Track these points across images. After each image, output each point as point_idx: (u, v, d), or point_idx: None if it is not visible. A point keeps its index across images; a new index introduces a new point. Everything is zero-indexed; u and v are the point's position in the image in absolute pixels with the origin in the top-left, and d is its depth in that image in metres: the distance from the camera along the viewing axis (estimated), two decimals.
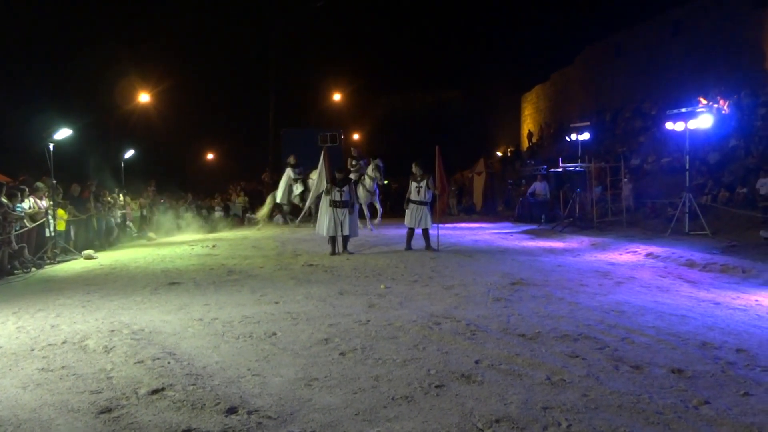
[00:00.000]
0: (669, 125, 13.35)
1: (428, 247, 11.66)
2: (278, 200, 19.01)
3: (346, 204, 11.38)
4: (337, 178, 11.56)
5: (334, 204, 11.37)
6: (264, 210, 19.64)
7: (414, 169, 11.69)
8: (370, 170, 16.74)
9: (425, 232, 11.74)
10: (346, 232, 11.38)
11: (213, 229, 19.95)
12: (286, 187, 18.73)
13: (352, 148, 19.80)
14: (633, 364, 4.17)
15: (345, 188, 11.47)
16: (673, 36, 25.57)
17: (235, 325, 5.65)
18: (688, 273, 8.33)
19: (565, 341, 4.79)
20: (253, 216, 23.69)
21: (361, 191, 15.94)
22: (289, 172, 18.71)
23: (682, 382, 3.84)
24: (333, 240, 11.43)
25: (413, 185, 11.69)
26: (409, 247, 11.75)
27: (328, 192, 11.62)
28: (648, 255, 10.01)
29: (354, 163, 17.43)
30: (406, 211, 11.78)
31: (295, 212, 19.48)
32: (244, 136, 39.44)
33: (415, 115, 43.82)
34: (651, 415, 3.31)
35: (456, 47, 46.49)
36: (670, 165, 17.47)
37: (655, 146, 19.91)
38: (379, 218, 17.58)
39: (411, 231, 11.84)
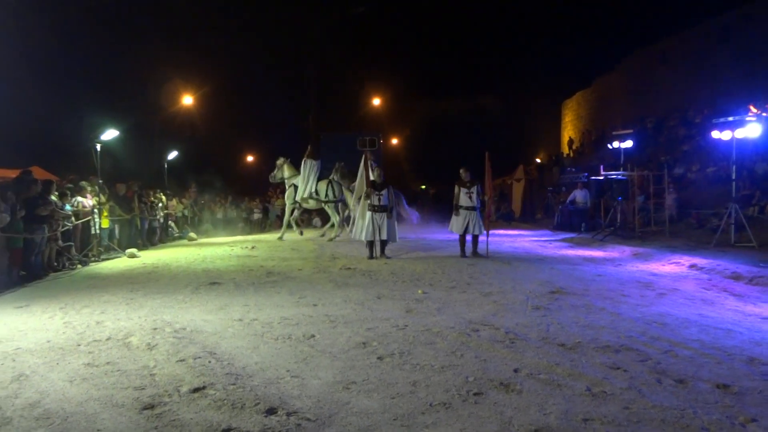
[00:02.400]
0: (715, 134, 13.01)
1: (475, 252, 11.56)
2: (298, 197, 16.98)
3: (385, 208, 11.40)
4: (376, 182, 11.59)
5: (372, 208, 11.40)
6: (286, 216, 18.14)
7: (462, 174, 11.57)
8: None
9: (475, 238, 11.62)
10: (384, 236, 11.40)
11: (252, 231, 20.17)
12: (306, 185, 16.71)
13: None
14: (676, 378, 4.07)
15: (384, 192, 11.49)
16: (721, 43, 24.96)
17: (274, 326, 5.71)
18: (734, 286, 8.09)
19: (606, 352, 4.70)
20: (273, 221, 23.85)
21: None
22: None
23: (728, 398, 3.73)
24: (371, 244, 11.46)
25: (462, 191, 11.50)
26: (464, 254, 11.58)
27: (367, 196, 11.66)
28: (692, 266, 9.77)
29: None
30: (453, 217, 11.60)
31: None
32: (284, 138, 39.96)
33: (454, 121, 43.64)
34: (695, 431, 3.23)
35: (496, 53, 46.37)
36: (715, 174, 17.07)
37: (700, 155, 19.48)
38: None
39: (462, 237, 11.69)
